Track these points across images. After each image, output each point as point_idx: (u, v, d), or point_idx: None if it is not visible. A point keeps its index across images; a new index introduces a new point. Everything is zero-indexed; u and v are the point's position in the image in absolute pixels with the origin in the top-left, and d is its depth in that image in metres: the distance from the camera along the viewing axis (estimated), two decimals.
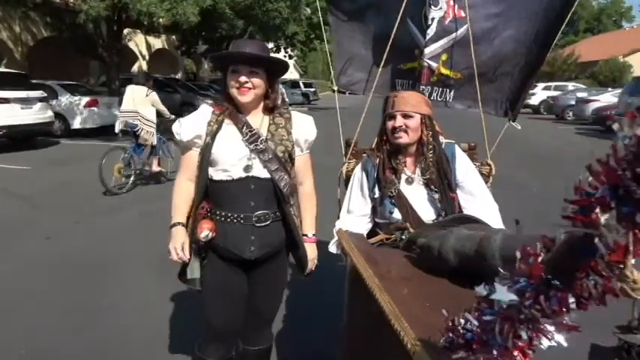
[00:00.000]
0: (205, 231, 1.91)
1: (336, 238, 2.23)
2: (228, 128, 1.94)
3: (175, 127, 1.97)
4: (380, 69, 2.98)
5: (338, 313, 2.08)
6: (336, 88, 2.98)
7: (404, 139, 2.15)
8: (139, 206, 6.29)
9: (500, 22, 2.62)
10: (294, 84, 30.90)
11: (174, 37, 22.91)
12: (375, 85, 2.90)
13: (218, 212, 1.96)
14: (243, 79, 1.88)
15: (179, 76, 26.86)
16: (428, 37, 2.67)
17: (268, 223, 1.96)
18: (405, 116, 2.14)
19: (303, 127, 2.06)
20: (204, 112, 1.98)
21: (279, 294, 2.21)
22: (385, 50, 3.03)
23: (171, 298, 3.61)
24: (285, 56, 32.95)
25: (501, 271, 0.90)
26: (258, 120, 1.99)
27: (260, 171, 1.92)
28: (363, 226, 2.32)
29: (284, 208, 1.99)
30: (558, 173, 7.65)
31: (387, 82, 3.02)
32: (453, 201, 2.25)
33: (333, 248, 2.26)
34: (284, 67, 2.06)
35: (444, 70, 2.70)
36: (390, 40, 2.63)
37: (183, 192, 2.01)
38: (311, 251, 2.11)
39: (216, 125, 1.93)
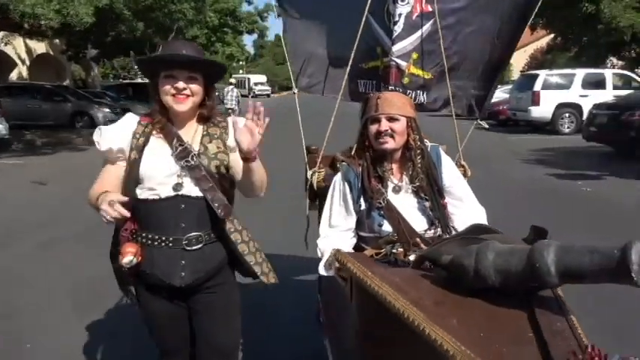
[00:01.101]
0: (129, 256, 1.67)
1: (325, 258, 1.99)
2: (157, 141, 1.74)
3: (95, 136, 1.76)
4: (339, 69, 2.80)
5: None
6: (296, 91, 2.74)
7: (390, 144, 1.98)
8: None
9: (465, 17, 2.56)
10: None
11: (57, 40, 20.82)
12: (338, 86, 2.71)
13: (144, 235, 1.74)
14: (181, 85, 1.68)
15: (66, 83, 24.63)
16: (395, 35, 2.53)
17: (201, 246, 1.76)
18: (391, 119, 1.97)
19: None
20: (129, 121, 1.78)
21: (232, 323, 1.91)
22: (343, 49, 2.86)
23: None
24: None
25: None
26: (191, 132, 1.78)
27: (191, 189, 1.72)
28: (347, 241, 2.11)
29: (221, 229, 1.78)
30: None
31: (347, 83, 2.84)
32: (444, 209, 2.12)
33: (323, 270, 2.01)
34: (223, 70, 1.89)
35: (414, 70, 2.57)
36: (357, 41, 2.45)
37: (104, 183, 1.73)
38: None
39: (142, 138, 1.74)
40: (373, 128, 1.98)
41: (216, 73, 1.82)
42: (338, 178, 2.17)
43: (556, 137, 13.49)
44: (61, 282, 4.12)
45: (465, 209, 2.15)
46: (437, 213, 2.05)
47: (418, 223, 2.05)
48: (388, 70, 2.59)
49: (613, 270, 1.19)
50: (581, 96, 14.26)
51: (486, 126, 2.90)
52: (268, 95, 46.15)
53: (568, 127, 14.33)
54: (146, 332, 1.93)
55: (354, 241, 2.13)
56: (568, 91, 14.42)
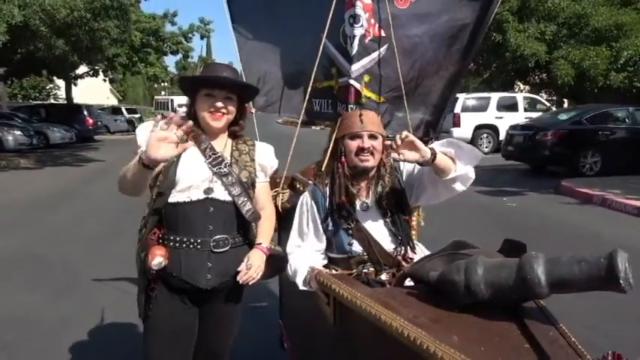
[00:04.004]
0: (158, 258, 1.76)
1: (302, 274, 1.92)
2: (192, 149, 1.82)
3: (140, 130, 1.82)
4: (293, 89, 2.79)
5: None
6: (254, 110, 2.68)
7: (370, 162, 1.98)
8: None
9: (421, 44, 2.62)
10: (115, 110, 28.41)
11: None
12: (294, 104, 2.69)
13: (172, 237, 1.83)
14: (219, 104, 1.83)
15: None
16: (352, 55, 2.55)
17: (227, 249, 1.87)
18: (371, 137, 1.97)
19: (267, 154, 2.04)
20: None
21: (234, 328, 2.08)
22: (297, 69, 2.86)
23: None
24: (104, 80, 30.44)
25: None
26: (222, 144, 1.94)
27: (221, 193, 1.85)
28: (319, 262, 2.06)
29: (245, 233, 1.94)
30: None
31: (300, 102, 2.84)
32: (407, 224, 2.14)
33: (302, 284, 1.92)
34: (256, 92, 2.10)
35: (367, 92, 2.60)
36: (317, 62, 2.45)
37: None
38: (257, 258, 1.92)
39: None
40: (354, 145, 1.96)
41: (249, 94, 2.04)
42: (305, 198, 2.13)
43: None
44: None
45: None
46: (398, 229, 2.05)
47: (386, 241, 2.05)
48: (346, 89, 2.61)
49: (601, 278, 1.25)
50: (496, 117, 15.30)
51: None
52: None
53: (486, 147, 15.25)
54: None
55: (325, 262, 2.09)
56: (485, 113, 15.41)
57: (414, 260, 2.05)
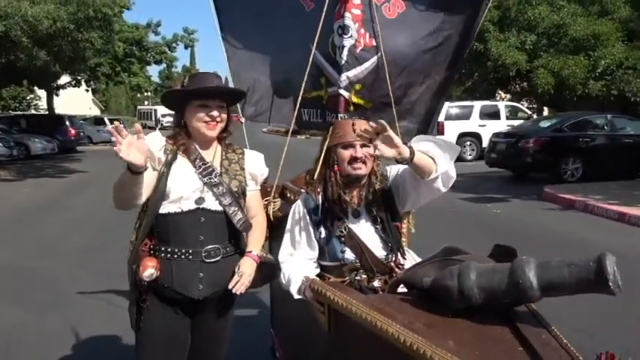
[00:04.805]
0: (149, 269, 1.76)
1: (295, 283, 1.93)
2: (182, 160, 1.87)
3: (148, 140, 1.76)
4: (283, 98, 2.81)
5: None
6: (244, 120, 2.69)
7: (363, 170, 2.00)
8: None
9: (409, 54, 2.67)
10: (97, 120, 28.04)
11: None
12: (283, 114, 2.71)
13: (163, 248, 1.84)
14: (215, 114, 1.85)
15: None
16: (341, 65, 2.59)
17: (218, 259, 1.87)
18: (363, 145, 1.99)
19: (257, 162, 2.05)
20: (160, 138, 1.88)
21: (226, 337, 2.08)
22: (286, 79, 2.88)
23: None
24: (87, 90, 30.08)
25: None
26: (211, 154, 1.94)
27: (212, 203, 1.86)
28: (312, 270, 2.07)
29: (236, 242, 1.95)
30: None
31: (290, 112, 2.86)
32: (397, 230, 2.16)
33: (296, 293, 1.93)
34: (242, 98, 2.16)
35: (356, 100, 2.64)
36: (307, 73, 2.48)
37: None
38: (248, 266, 1.93)
39: (170, 155, 1.86)
40: (346, 154, 1.98)
41: (237, 100, 2.09)
42: (298, 206, 2.14)
43: (461, 164, 14.43)
44: None
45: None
46: (388, 236, 2.07)
47: (377, 248, 2.07)
48: (335, 99, 2.64)
49: (591, 281, 1.29)
50: (480, 125, 15.51)
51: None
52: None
53: (470, 155, 15.43)
54: None
55: (317, 271, 2.09)
56: (468, 121, 15.61)
57: (405, 267, 2.08)
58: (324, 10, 2.54)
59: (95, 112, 41.75)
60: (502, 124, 14.85)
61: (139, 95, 55.82)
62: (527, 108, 18.54)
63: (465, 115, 15.75)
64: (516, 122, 14.60)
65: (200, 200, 1.84)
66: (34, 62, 11.57)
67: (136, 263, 1.81)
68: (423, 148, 1.91)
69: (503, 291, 1.39)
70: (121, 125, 1.58)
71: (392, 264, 2.06)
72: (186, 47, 27.12)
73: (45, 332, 3.71)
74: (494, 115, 15.89)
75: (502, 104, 17.00)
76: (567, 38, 14.56)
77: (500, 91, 23.42)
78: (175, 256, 1.82)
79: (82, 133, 22.67)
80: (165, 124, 43.39)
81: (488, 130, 14.36)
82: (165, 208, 1.82)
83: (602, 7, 14.83)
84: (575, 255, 1.38)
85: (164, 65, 27.22)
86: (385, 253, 2.07)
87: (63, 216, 8.20)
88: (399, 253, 2.09)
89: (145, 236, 1.83)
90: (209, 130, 1.86)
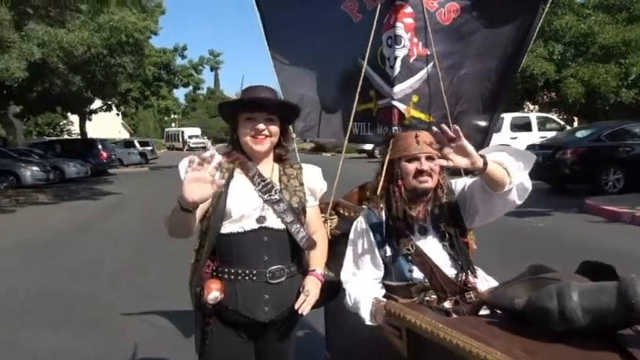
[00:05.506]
0: (214, 292, 1.70)
1: (365, 305, 1.81)
2: (239, 177, 1.81)
3: (182, 165, 1.71)
4: (331, 113, 2.74)
5: None
6: (294, 135, 2.63)
7: (429, 183, 1.90)
8: None
9: (457, 61, 2.57)
10: (128, 143, 28.76)
11: None
12: (332, 128, 2.64)
13: (226, 270, 1.77)
14: (261, 127, 1.78)
15: None
16: (393, 77, 2.50)
17: (283, 279, 1.80)
18: (429, 158, 1.89)
19: (315, 177, 1.98)
20: (219, 157, 1.72)
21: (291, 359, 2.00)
22: (335, 93, 2.82)
23: None
24: (117, 114, 30.89)
25: None
26: (269, 169, 1.88)
27: (274, 221, 1.79)
28: (378, 292, 1.95)
29: (299, 261, 1.88)
30: None
31: (339, 125, 2.79)
32: (466, 246, 2.03)
33: (370, 319, 1.80)
34: (297, 112, 2.02)
35: (414, 113, 2.54)
36: (359, 87, 2.40)
37: None
38: (313, 285, 1.86)
39: (227, 173, 1.79)
40: (411, 167, 1.89)
41: (291, 115, 1.95)
42: (360, 223, 2.04)
43: None
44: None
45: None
46: (457, 253, 1.95)
47: (446, 267, 1.95)
48: (388, 111, 2.55)
49: None
50: (511, 138, 15.18)
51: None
52: (205, 148, 45.58)
53: None
54: None
55: (383, 292, 1.98)
56: (500, 134, 15.30)
57: (476, 286, 1.96)
58: (375, 21, 2.47)
59: (124, 135, 42.83)
60: (534, 136, 14.52)
61: (166, 118, 57.02)
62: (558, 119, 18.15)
63: (496, 128, 15.44)
64: (549, 134, 14.26)
65: (262, 219, 1.77)
66: (70, 87, 11.90)
67: (199, 286, 1.75)
68: (495, 157, 1.81)
69: (612, 312, 1.25)
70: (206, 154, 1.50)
71: (462, 283, 1.94)
72: (211, 69, 27.58)
73: (86, 355, 3.66)
74: (525, 126, 15.57)
75: (533, 115, 16.68)
76: (596, 46, 14.24)
77: (527, 102, 23.03)
78: (239, 277, 1.75)
79: (113, 156, 23.20)
80: (192, 145, 44.29)
81: (520, 143, 14.02)
82: (227, 228, 1.76)
83: (631, 14, 14.50)
84: (628, 270, 1.26)
85: (190, 88, 27.67)
86: (455, 272, 1.95)
87: (99, 238, 8.28)
88: (469, 271, 1.97)
89: (207, 258, 1.77)
90: (256, 144, 1.79)
